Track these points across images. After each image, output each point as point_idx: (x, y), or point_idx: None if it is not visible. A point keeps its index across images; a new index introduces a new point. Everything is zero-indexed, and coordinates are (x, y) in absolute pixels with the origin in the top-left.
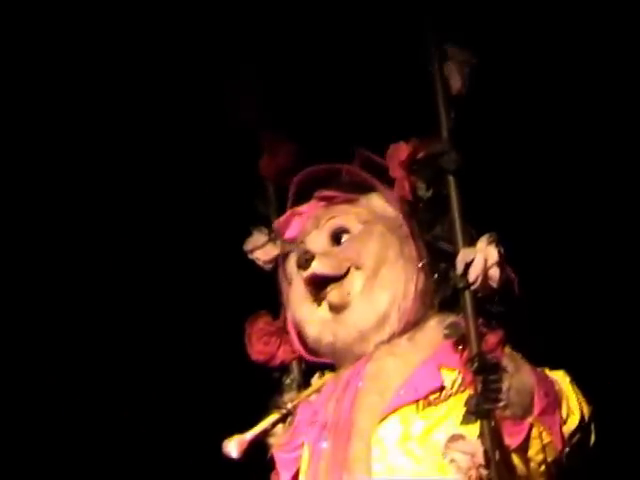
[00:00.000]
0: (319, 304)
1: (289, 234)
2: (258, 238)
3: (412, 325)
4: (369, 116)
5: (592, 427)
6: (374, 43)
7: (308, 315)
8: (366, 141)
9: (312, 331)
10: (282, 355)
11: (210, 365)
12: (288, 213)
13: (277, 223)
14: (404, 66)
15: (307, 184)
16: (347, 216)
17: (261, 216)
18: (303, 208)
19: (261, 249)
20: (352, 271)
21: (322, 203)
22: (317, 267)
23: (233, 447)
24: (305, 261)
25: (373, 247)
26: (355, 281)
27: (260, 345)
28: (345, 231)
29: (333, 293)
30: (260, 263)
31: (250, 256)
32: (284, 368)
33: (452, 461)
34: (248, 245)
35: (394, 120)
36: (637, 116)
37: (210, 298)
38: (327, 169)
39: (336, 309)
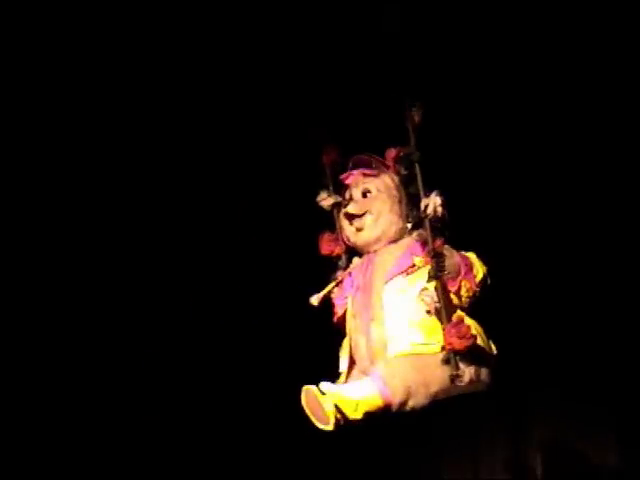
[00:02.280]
0: (351, 225)
1: (348, 181)
2: (323, 194)
3: (397, 239)
4: (375, 135)
5: (488, 279)
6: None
7: (348, 231)
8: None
9: (347, 235)
10: (337, 251)
11: None
12: (346, 174)
13: (342, 177)
14: (390, 109)
15: (356, 163)
16: (371, 184)
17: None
18: (354, 172)
19: (325, 200)
20: (367, 214)
21: (362, 173)
22: (350, 209)
23: (315, 299)
24: (347, 203)
25: (379, 203)
26: (367, 218)
27: (326, 247)
28: (369, 191)
29: (356, 221)
30: (325, 207)
31: (319, 204)
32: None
33: (423, 300)
34: (318, 198)
35: (390, 137)
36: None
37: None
38: (366, 159)
39: (358, 230)
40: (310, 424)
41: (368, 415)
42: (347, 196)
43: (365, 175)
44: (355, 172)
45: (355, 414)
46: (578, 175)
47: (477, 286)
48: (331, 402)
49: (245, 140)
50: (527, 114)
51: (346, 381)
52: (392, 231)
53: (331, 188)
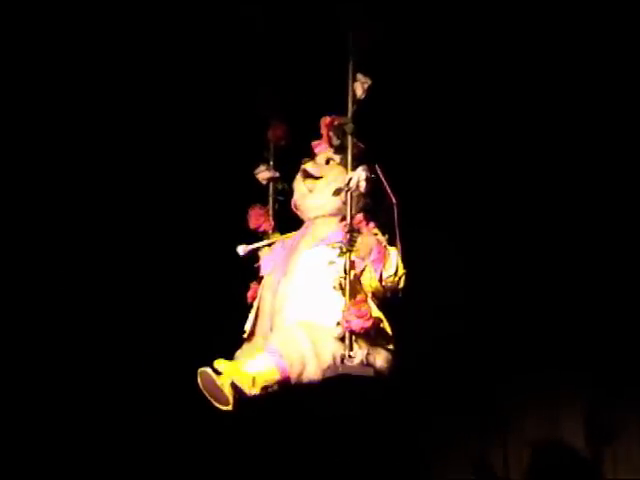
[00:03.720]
0: (304, 184)
1: (317, 149)
2: (262, 167)
3: (338, 215)
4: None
5: (401, 281)
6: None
7: (298, 188)
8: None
9: (296, 195)
10: (264, 227)
11: None
12: (319, 141)
13: (313, 144)
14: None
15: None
16: (337, 157)
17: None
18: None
19: (262, 173)
20: (322, 179)
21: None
22: (309, 168)
23: (241, 249)
24: (307, 161)
25: (334, 173)
26: (320, 183)
27: (254, 221)
28: (332, 160)
29: (309, 181)
30: (261, 180)
31: (256, 176)
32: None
33: (330, 271)
34: (256, 170)
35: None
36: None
37: None
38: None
39: (309, 191)
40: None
41: (266, 389)
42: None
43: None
44: (325, 145)
45: (253, 389)
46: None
47: (381, 281)
48: (228, 381)
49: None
50: (473, 93)
51: (249, 340)
52: (338, 204)
53: (271, 163)
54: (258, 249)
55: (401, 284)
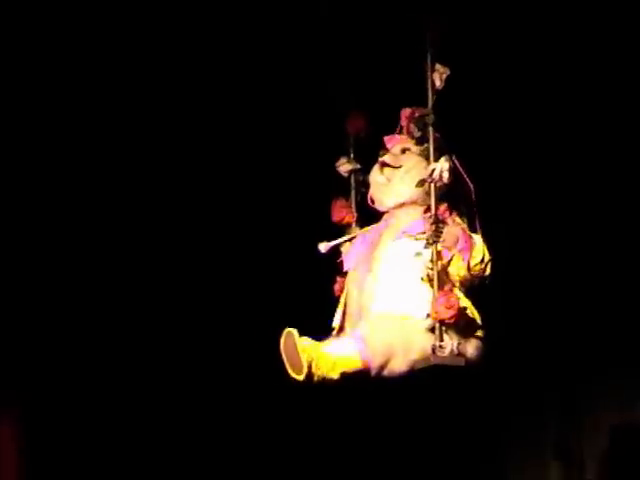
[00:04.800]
0: (381, 174)
1: (389, 144)
2: (342, 160)
3: (416, 204)
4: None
5: (488, 267)
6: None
7: (374, 180)
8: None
9: (373, 187)
10: (347, 219)
11: None
12: (390, 136)
13: (385, 139)
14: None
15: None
16: (413, 145)
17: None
18: (398, 136)
19: (343, 166)
20: (400, 168)
21: (408, 136)
22: (387, 158)
23: (323, 246)
24: (384, 153)
25: (413, 162)
26: (399, 172)
27: (337, 213)
28: (408, 150)
29: (387, 170)
30: (342, 173)
31: (337, 169)
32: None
33: (417, 263)
34: (337, 163)
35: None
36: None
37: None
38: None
39: (388, 181)
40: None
41: (345, 375)
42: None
43: (410, 137)
44: (398, 136)
45: (332, 373)
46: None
47: (470, 270)
48: (308, 354)
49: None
50: (548, 83)
51: (338, 335)
52: (417, 192)
53: (352, 155)
54: (339, 245)
55: (487, 271)
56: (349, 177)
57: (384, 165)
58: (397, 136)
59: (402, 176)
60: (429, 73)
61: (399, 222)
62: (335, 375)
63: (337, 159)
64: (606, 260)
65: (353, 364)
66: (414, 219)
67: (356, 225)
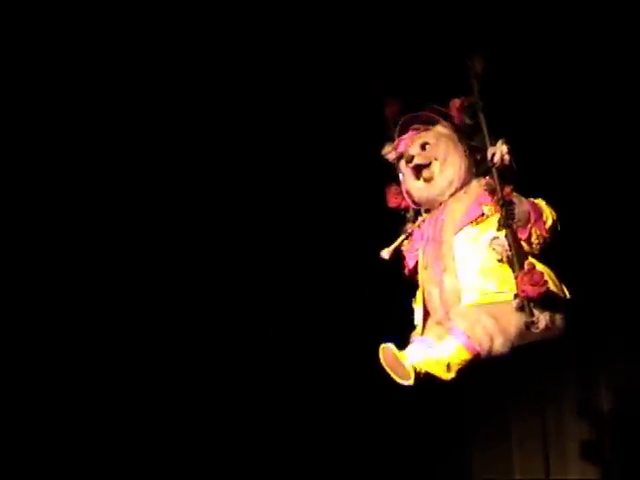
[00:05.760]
0: (418, 179)
1: (399, 149)
2: (388, 147)
3: (465, 185)
4: (442, 88)
5: (558, 224)
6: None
7: (413, 186)
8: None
9: (416, 194)
10: (404, 204)
11: None
12: (397, 139)
13: (393, 145)
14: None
15: (405, 123)
16: (427, 136)
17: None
18: (404, 136)
19: (390, 153)
20: (433, 162)
21: (413, 132)
22: (416, 160)
23: (385, 253)
24: (411, 159)
25: (442, 148)
26: (435, 166)
27: (393, 200)
28: (427, 143)
29: (425, 172)
30: (390, 160)
31: (385, 157)
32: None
33: (494, 249)
34: (383, 150)
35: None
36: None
37: None
38: (415, 115)
39: (427, 181)
40: (391, 380)
41: (460, 371)
42: (405, 160)
43: (417, 132)
44: (405, 136)
45: (449, 374)
46: None
47: (547, 232)
48: (419, 369)
49: (307, 96)
50: (591, 62)
51: (422, 332)
52: (462, 172)
53: (392, 145)
54: (400, 245)
55: (559, 227)
56: (397, 163)
57: (417, 169)
58: (404, 136)
59: (441, 169)
60: (469, 62)
61: (454, 212)
62: (453, 374)
63: (382, 147)
64: None
65: (464, 358)
66: (467, 205)
67: (412, 208)
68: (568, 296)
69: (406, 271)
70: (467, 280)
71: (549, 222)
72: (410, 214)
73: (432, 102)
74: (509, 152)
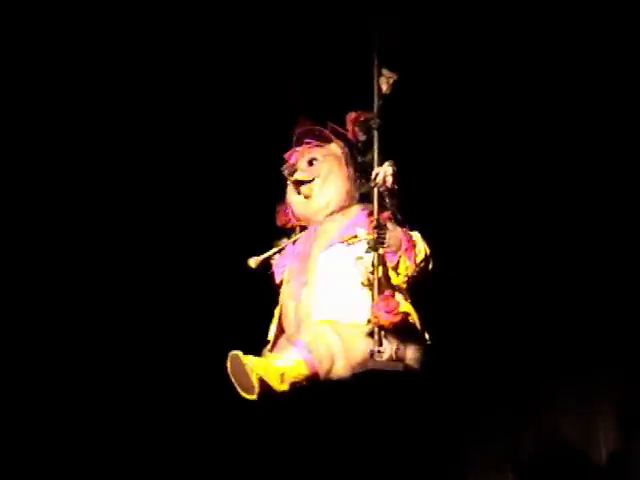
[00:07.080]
0: (298, 194)
1: (291, 161)
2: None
3: (344, 209)
4: (338, 102)
5: (430, 262)
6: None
7: (293, 200)
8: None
9: (295, 208)
10: (290, 223)
11: None
12: (290, 151)
13: (286, 156)
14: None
15: (300, 135)
16: (317, 153)
17: None
18: (297, 148)
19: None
20: (315, 179)
21: (306, 146)
22: (297, 175)
23: (253, 261)
24: (292, 172)
25: (326, 167)
26: (315, 184)
27: (283, 217)
28: (315, 159)
29: (304, 188)
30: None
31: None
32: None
33: (357, 269)
34: (283, 167)
35: (352, 102)
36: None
37: None
38: (310, 129)
39: (306, 198)
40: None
41: (294, 386)
42: (288, 172)
43: (309, 146)
44: (298, 148)
45: (282, 386)
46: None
47: (416, 265)
48: (255, 372)
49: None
50: (493, 94)
51: (272, 349)
52: (341, 195)
53: (285, 156)
54: (270, 258)
55: (430, 264)
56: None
57: (297, 183)
58: (297, 149)
59: (321, 187)
60: (375, 78)
61: (327, 230)
62: (285, 387)
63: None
64: (547, 259)
65: (300, 372)
66: (341, 225)
67: (299, 228)
68: (423, 340)
69: (275, 287)
70: (324, 297)
71: (420, 256)
72: (295, 233)
73: (332, 118)
74: (393, 175)
